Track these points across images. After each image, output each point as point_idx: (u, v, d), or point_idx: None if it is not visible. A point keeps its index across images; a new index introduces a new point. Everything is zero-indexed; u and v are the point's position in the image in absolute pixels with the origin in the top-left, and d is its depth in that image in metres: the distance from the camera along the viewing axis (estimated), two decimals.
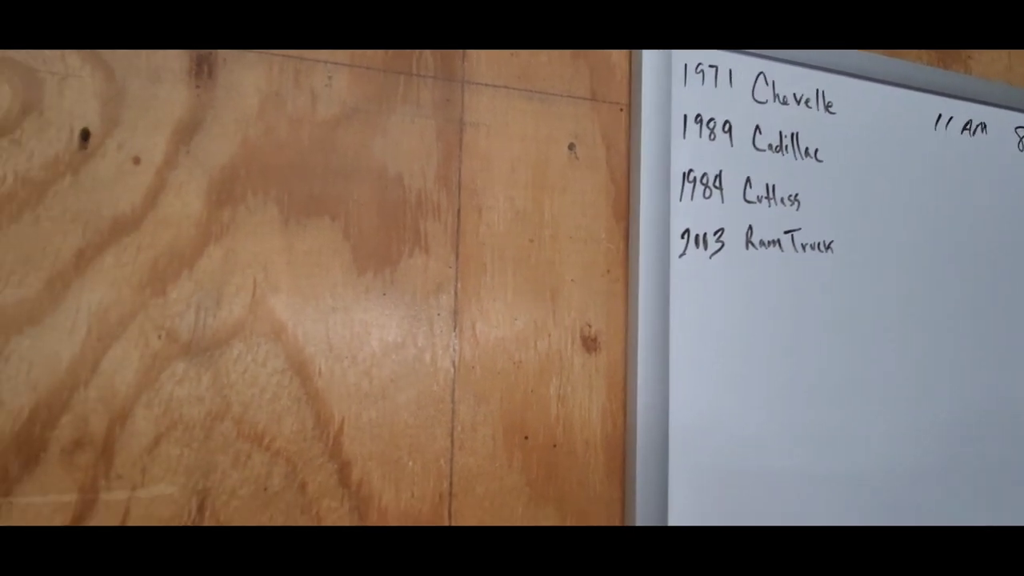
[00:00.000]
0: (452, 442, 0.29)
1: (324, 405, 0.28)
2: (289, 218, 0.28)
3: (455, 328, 0.30)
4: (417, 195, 0.30)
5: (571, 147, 0.33)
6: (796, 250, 0.34)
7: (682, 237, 0.32)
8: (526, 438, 0.30)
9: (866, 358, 0.35)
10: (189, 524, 0.26)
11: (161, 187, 0.27)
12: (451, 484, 0.29)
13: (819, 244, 0.35)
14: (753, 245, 0.33)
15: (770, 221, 0.34)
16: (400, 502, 0.28)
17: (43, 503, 0.25)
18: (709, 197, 0.33)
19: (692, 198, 0.32)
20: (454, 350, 0.30)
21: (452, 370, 0.30)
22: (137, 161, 0.27)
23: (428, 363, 0.30)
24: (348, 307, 0.29)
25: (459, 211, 0.31)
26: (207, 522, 0.26)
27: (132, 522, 0.25)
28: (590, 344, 0.32)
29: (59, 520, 0.25)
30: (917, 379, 0.35)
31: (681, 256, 0.32)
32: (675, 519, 0.30)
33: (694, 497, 0.31)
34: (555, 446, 0.31)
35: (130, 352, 0.26)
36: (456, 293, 0.30)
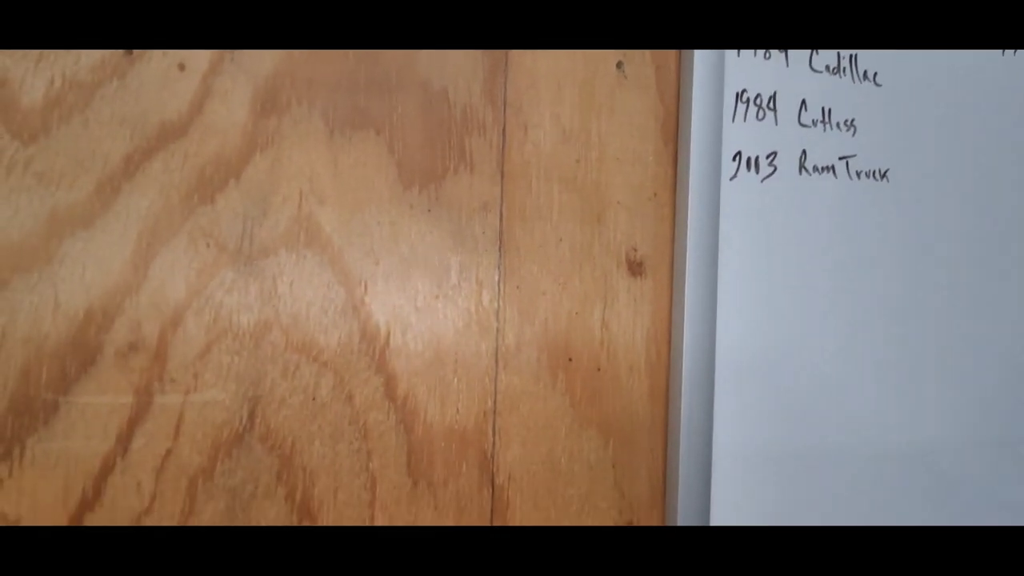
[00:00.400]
0: (496, 361, 0.29)
1: (370, 320, 0.28)
2: (334, 130, 0.28)
3: (500, 247, 0.30)
4: (462, 111, 0.29)
5: (619, 66, 0.32)
6: (851, 177, 0.33)
7: (733, 160, 0.31)
8: (570, 360, 0.30)
9: (920, 294, 0.34)
10: (240, 431, 0.26)
11: (207, 94, 0.27)
12: (495, 403, 0.29)
13: (875, 172, 0.33)
14: (807, 170, 0.32)
15: (825, 146, 0.32)
16: (445, 417, 0.29)
17: (100, 403, 0.25)
18: (762, 119, 0.31)
19: (745, 119, 0.31)
20: (499, 270, 0.30)
21: (497, 290, 0.29)
22: (182, 68, 0.27)
23: (473, 282, 0.29)
24: (394, 222, 0.28)
25: (504, 129, 0.30)
26: (257, 429, 0.27)
27: (186, 426, 0.26)
28: (636, 268, 0.31)
29: (116, 421, 0.25)
30: (976, 319, 0.34)
31: (732, 179, 0.31)
32: (720, 448, 0.30)
33: (739, 425, 0.31)
34: (599, 370, 0.30)
35: (179, 259, 0.26)
36: (501, 212, 0.30)
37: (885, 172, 0.34)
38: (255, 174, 0.27)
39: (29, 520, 0.25)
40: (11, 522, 0.25)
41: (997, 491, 0.36)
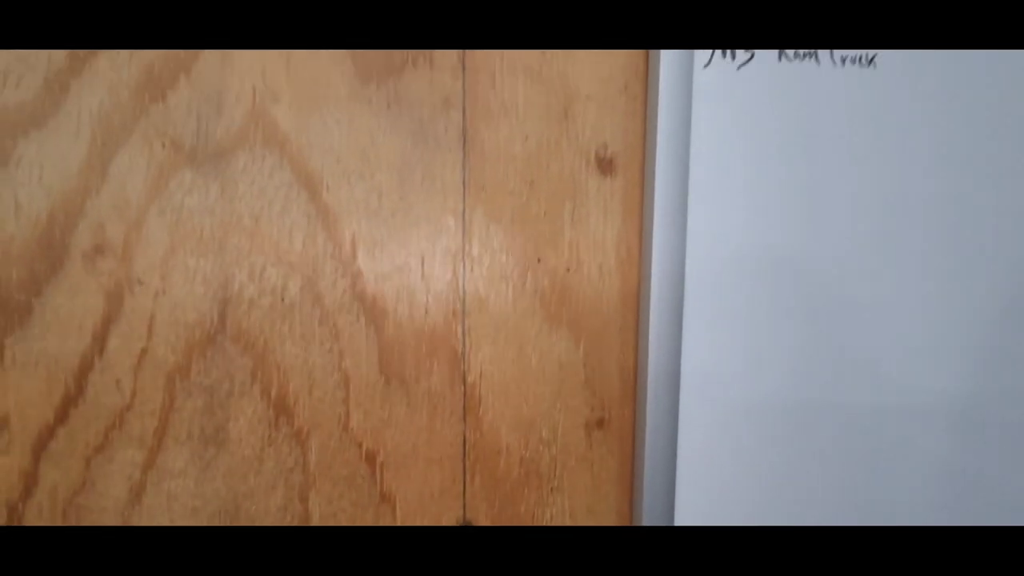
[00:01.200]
0: (463, 261, 0.29)
1: (335, 221, 0.28)
2: None
3: (463, 145, 0.29)
4: None
5: None
6: (834, 63, 0.31)
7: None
8: (539, 261, 0.30)
9: (907, 191, 0.33)
10: (211, 332, 0.27)
11: None
12: (464, 303, 0.29)
13: (861, 58, 0.32)
14: (787, 57, 0.31)
15: None
16: (414, 318, 0.29)
17: (72, 305, 0.26)
18: None
19: None
20: (463, 168, 0.29)
21: (462, 188, 0.29)
22: None
23: (437, 181, 0.29)
24: (352, 119, 0.28)
25: None
26: (229, 330, 0.27)
27: (158, 327, 0.27)
28: (605, 166, 0.30)
29: (90, 322, 0.26)
30: (969, 215, 0.33)
31: (706, 66, 0.29)
32: (689, 343, 0.30)
33: (710, 325, 0.31)
34: (568, 270, 0.30)
35: (136, 159, 0.26)
36: (464, 108, 0.29)
37: (872, 58, 0.32)
38: (205, 69, 0.26)
39: (17, 416, 0.26)
40: (1, 419, 0.26)
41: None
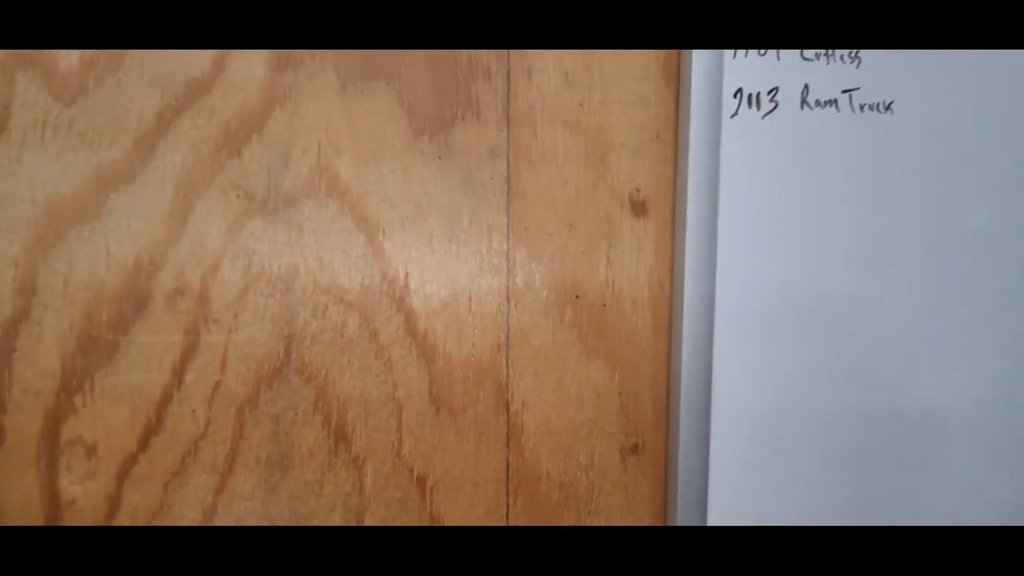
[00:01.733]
0: (508, 298, 0.31)
1: (389, 263, 0.30)
2: (347, 82, 0.29)
3: (507, 191, 0.31)
4: (467, 58, 0.30)
5: None
6: (854, 111, 0.33)
7: (734, 97, 0.31)
8: (577, 297, 0.32)
9: (928, 230, 0.34)
10: (278, 366, 0.29)
11: (226, 53, 0.28)
12: (508, 337, 0.32)
13: (879, 105, 0.33)
14: (808, 105, 0.33)
15: (827, 80, 0.32)
16: (462, 351, 0.31)
17: (155, 342, 0.28)
18: (764, 54, 0.32)
19: (746, 55, 0.31)
20: (507, 212, 0.31)
21: (506, 230, 0.31)
22: None
23: (483, 224, 0.31)
24: (407, 169, 0.30)
25: (508, 74, 0.31)
26: (293, 364, 0.30)
27: (230, 362, 0.29)
28: (639, 208, 0.32)
29: (169, 358, 0.28)
30: (987, 251, 0.35)
31: (733, 117, 0.31)
32: (720, 372, 0.32)
33: (739, 354, 0.33)
34: (605, 305, 0.32)
35: (213, 210, 0.28)
36: (508, 157, 0.31)
37: (889, 104, 0.34)
38: (275, 127, 0.29)
39: (104, 443, 0.28)
40: (89, 446, 0.28)
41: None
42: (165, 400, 0.28)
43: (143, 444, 0.28)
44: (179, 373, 0.29)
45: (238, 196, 0.29)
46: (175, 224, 0.28)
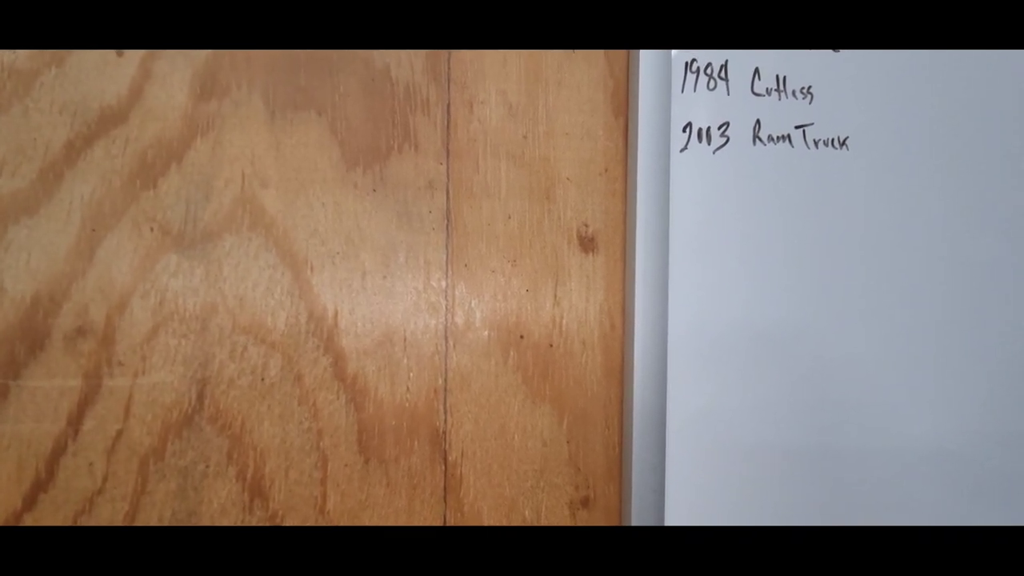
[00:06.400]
0: (446, 339, 0.29)
1: (317, 300, 0.28)
2: (275, 112, 0.28)
3: (447, 226, 0.30)
4: (405, 88, 0.29)
5: None
6: (808, 147, 0.32)
7: (684, 131, 0.30)
8: (521, 337, 0.30)
9: (882, 267, 0.33)
10: (189, 412, 0.27)
11: (145, 78, 0.27)
12: (446, 380, 0.29)
13: (834, 140, 0.33)
14: (761, 140, 0.32)
15: (780, 115, 0.32)
16: (396, 396, 0.29)
17: (50, 387, 0.26)
18: (714, 89, 0.31)
19: (695, 89, 0.31)
20: (447, 247, 0.29)
21: (445, 268, 0.29)
22: (120, 53, 0.27)
23: (420, 260, 0.29)
24: (338, 203, 0.28)
25: (448, 106, 0.30)
26: (207, 410, 0.27)
27: (135, 408, 0.26)
28: (587, 244, 0.31)
29: (66, 404, 0.26)
30: (944, 294, 0.34)
31: (682, 151, 0.30)
32: (674, 417, 0.30)
33: (694, 397, 0.31)
34: (551, 346, 0.30)
35: (124, 244, 0.26)
36: (448, 191, 0.30)
37: (845, 140, 0.33)
38: (196, 158, 0.27)
39: None
40: None
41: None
42: (58, 451, 0.26)
43: (29, 502, 0.26)
44: (76, 421, 0.26)
45: (152, 229, 0.27)
46: (80, 259, 0.26)
